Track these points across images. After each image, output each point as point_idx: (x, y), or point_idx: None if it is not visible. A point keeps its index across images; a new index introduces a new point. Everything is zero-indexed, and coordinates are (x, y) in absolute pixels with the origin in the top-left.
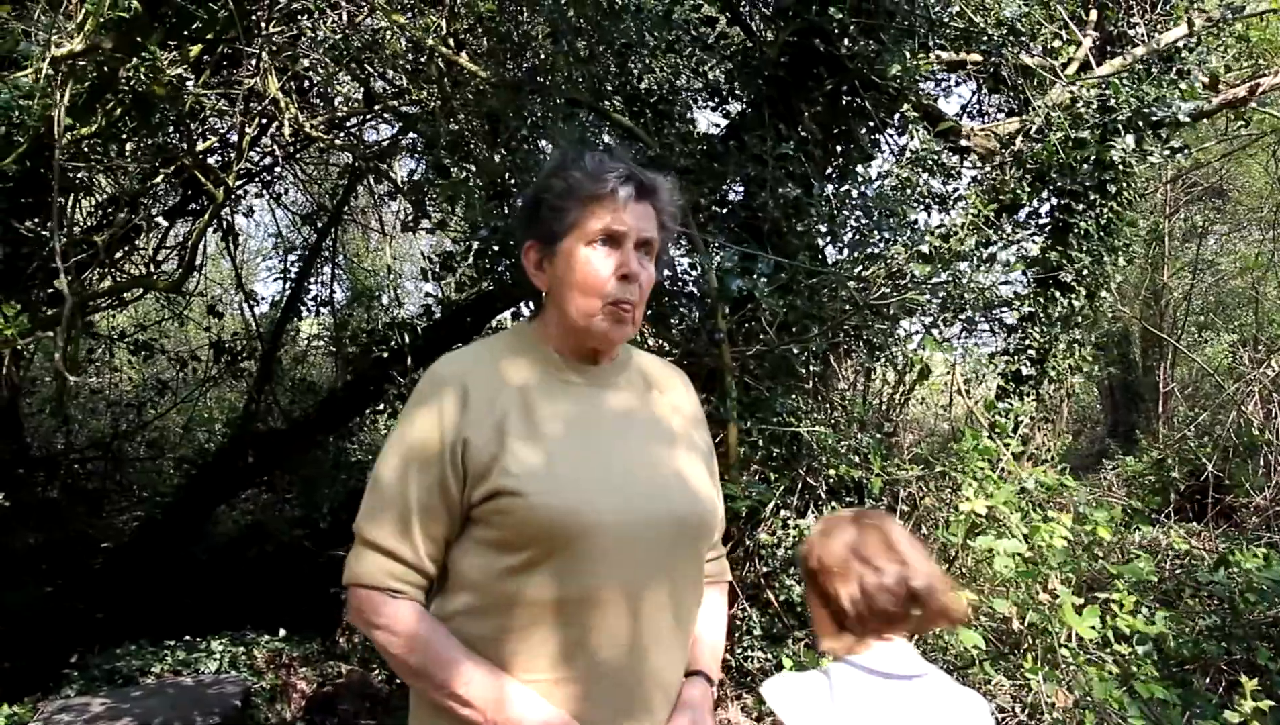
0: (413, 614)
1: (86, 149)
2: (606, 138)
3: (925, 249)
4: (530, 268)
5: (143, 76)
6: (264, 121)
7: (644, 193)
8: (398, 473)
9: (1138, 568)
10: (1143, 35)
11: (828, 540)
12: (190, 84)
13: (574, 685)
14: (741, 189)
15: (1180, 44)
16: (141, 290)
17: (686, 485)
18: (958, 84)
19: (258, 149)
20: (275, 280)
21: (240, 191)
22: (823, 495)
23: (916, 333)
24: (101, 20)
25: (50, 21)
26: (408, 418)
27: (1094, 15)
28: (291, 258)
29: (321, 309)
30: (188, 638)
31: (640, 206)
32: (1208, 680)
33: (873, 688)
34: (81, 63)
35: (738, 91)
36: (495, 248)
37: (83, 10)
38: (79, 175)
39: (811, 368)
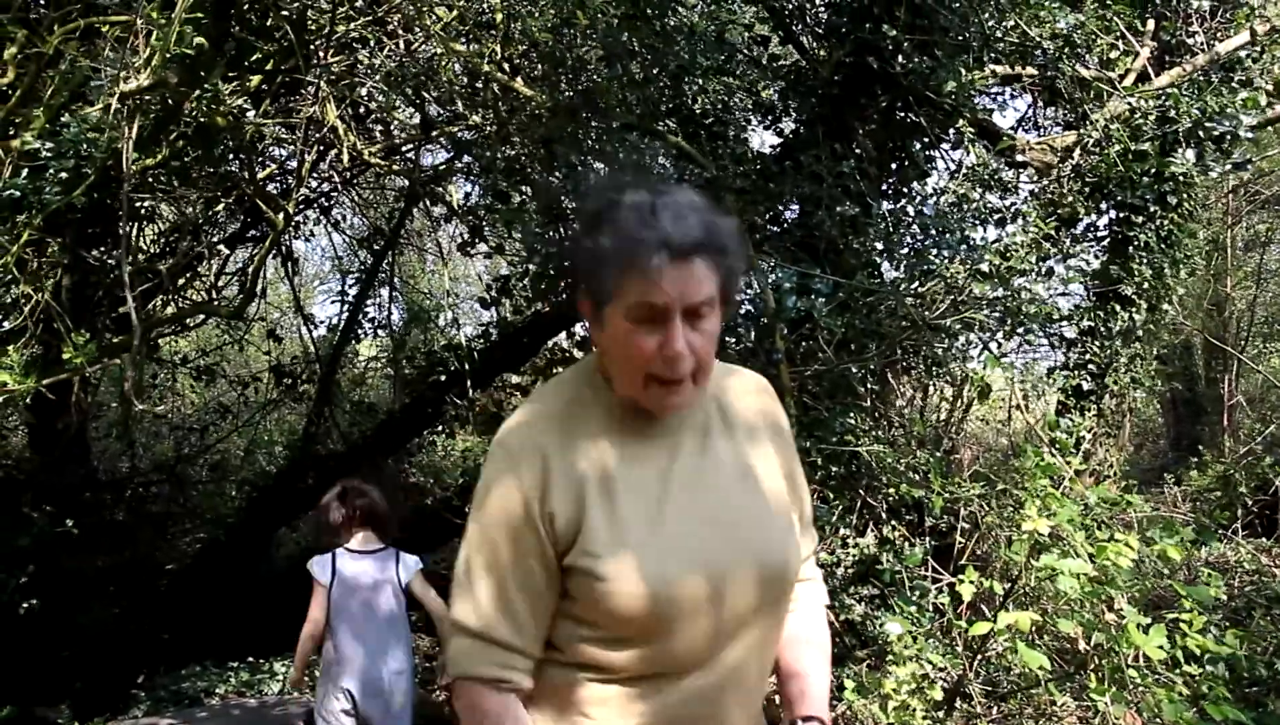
0: (517, 715)
1: (150, 179)
2: (661, 160)
3: (985, 267)
4: (586, 316)
5: (205, 108)
6: (322, 148)
7: (684, 253)
8: (489, 553)
9: (1204, 591)
10: (1202, 44)
11: None
12: (250, 114)
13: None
14: (796, 207)
15: (1242, 53)
16: (203, 316)
17: (768, 530)
18: (1012, 97)
19: (315, 175)
20: (332, 302)
21: (299, 217)
22: (883, 514)
23: (974, 348)
24: (168, 56)
25: (118, 58)
26: (487, 495)
27: (1151, 25)
28: (349, 281)
29: (379, 332)
30: (250, 659)
31: (682, 270)
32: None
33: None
34: (147, 97)
35: (791, 110)
36: (552, 272)
37: (148, 47)
38: (143, 205)
39: (869, 386)
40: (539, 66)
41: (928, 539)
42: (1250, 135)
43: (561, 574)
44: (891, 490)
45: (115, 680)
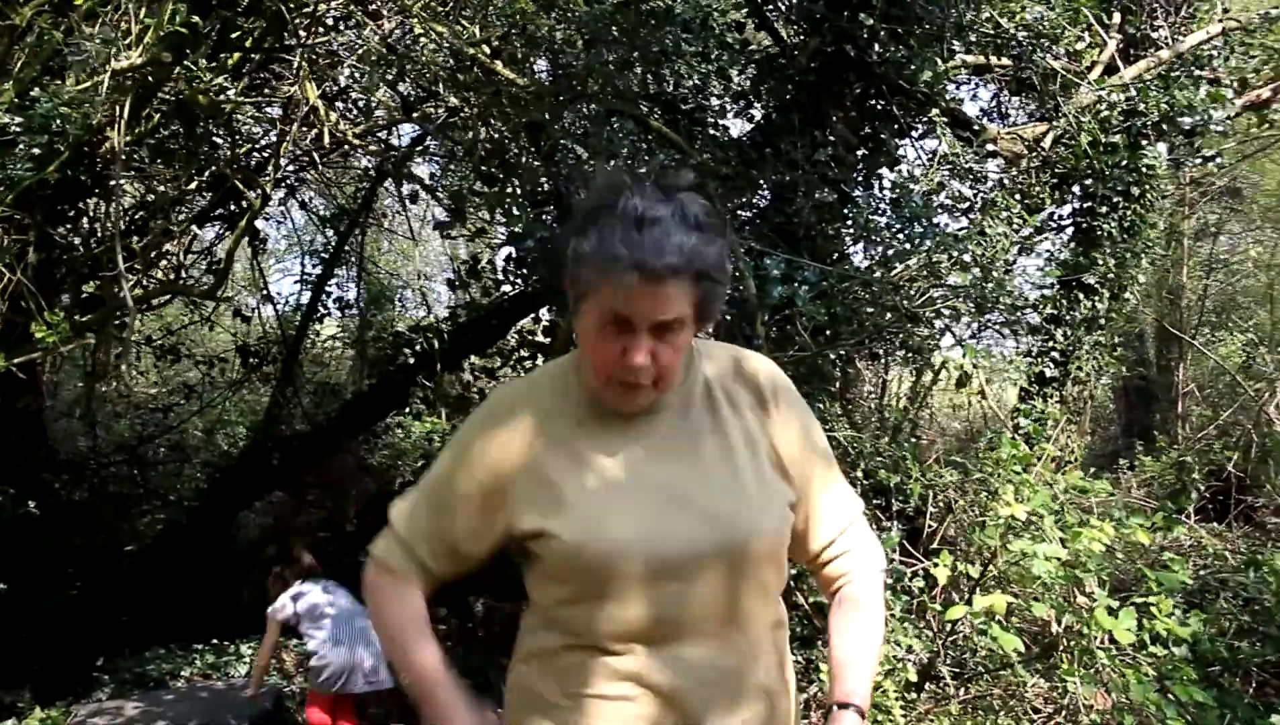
0: (392, 589)
1: (125, 156)
2: (641, 144)
3: (966, 257)
4: (570, 301)
5: (187, 86)
6: (301, 129)
7: (657, 277)
8: (438, 477)
9: (1173, 576)
10: (1166, 38)
11: None
12: (230, 92)
13: (626, 703)
14: (768, 194)
15: (1208, 48)
16: (171, 296)
17: (730, 506)
18: (977, 87)
19: (288, 154)
20: (295, 282)
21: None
22: None
23: (943, 336)
24: (162, 34)
25: (98, 34)
26: (465, 434)
27: (1117, 18)
28: (312, 261)
29: (345, 312)
30: (215, 641)
31: (653, 290)
32: (1238, 681)
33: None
34: (133, 75)
35: (764, 96)
36: (534, 256)
37: (136, 25)
38: (118, 183)
39: (838, 372)
40: (520, 49)
41: (896, 523)
42: (1220, 129)
43: (527, 538)
44: (859, 474)
45: (76, 663)
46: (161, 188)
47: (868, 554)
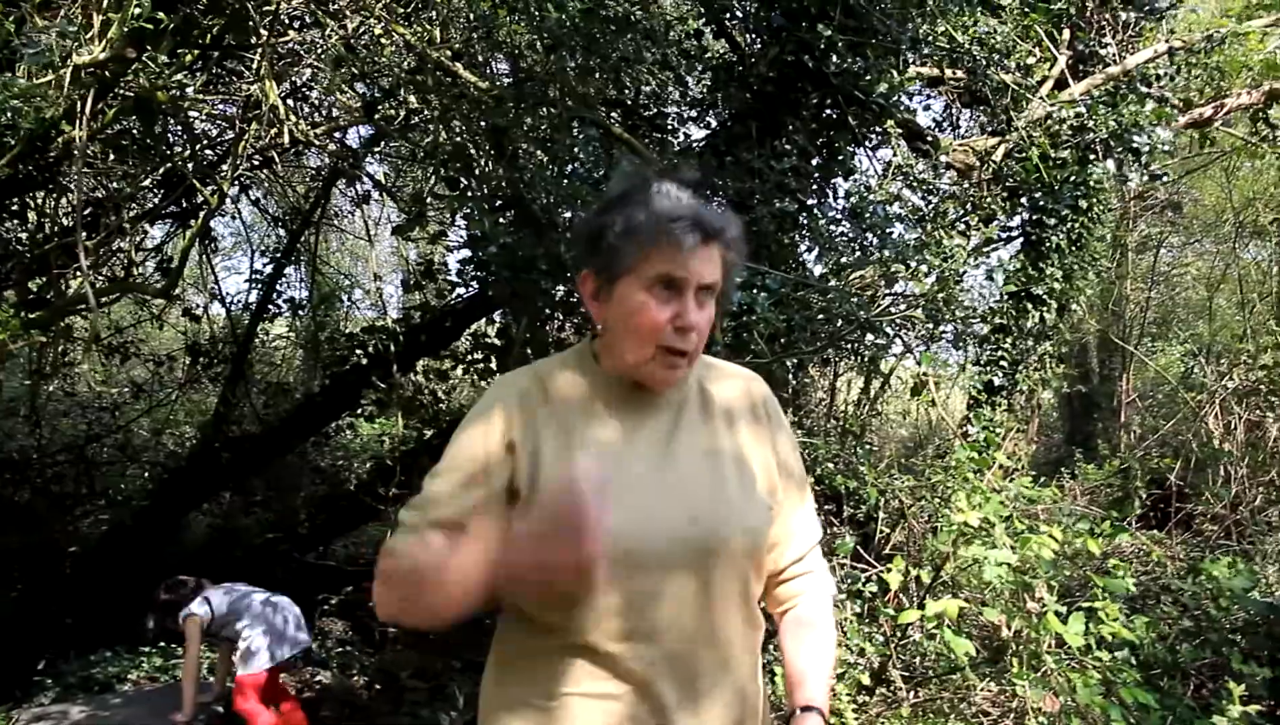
0: (417, 541)
1: (76, 151)
2: (599, 149)
3: (922, 267)
4: (586, 296)
5: (144, 82)
6: (259, 127)
7: (709, 237)
8: (451, 459)
9: (1119, 582)
10: (1114, 55)
11: None
12: (189, 89)
13: (609, 701)
14: (726, 201)
15: (1154, 67)
16: (121, 294)
17: (719, 505)
18: (931, 98)
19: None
20: (244, 281)
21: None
22: None
23: (894, 344)
24: (126, 29)
25: (54, 26)
26: (465, 426)
27: (1067, 35)
28: (262, 259)
29: (296, 312)
30: (163, 644)
31: (704, 251)
32: (1178, 684)
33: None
34: (93, 70)
35: (721, 105)
36: (495, 259)
37: (100, 19)
38: (69, 179)
39: (792, 378)
40: (481, 53)
41: (846, 529)
42: (1168, 148)
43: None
44: (812, 481)
45: (17, 666)
46: (115, 184)
47: (824, 578)
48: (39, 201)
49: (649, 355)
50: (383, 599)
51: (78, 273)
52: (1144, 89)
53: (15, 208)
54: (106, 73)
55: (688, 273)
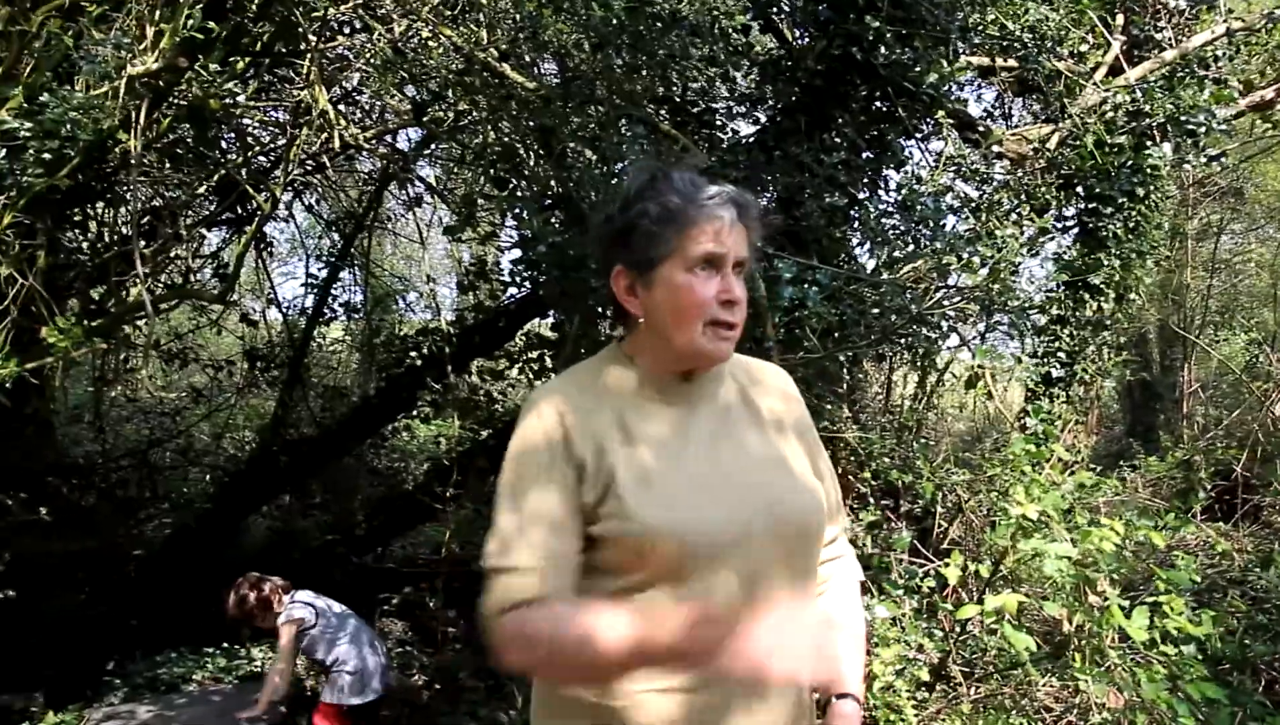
0: (548, 611)
1: (134, 161)
2: (649, 147)
3: (975, 259)
4: (620, 292)
5: (197, 91)
6: (310, 133)
7: (743, 213)
8: (524, 508)
9: (1182, 574)
10: (1170, 39)
11: None
12: (240, 97)
13: (685, 693)
14: (776, 197)
15: (1212, 49)
16: (179, 300)
17: (787, 488)
18: (981, 88)
19: (296, 158)
20: (301, 286)
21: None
22: (870, 500)
23: (949, 337)
24: (178, 39)
25: (105, 37)
26: (519, 454)
27: (1121, 20)
28: (317, 263)
29: (351, 315)
30: (225, 645)
31: (741, 225)
32: (1247, 679)
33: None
34: (147, 80)
35: (770, 100)
36: (545, 259)
37: (153, 30)
38: (126, 189)
39: (846, 374)
40: (528, 53)
41: (903, 524)
42: (1225, 129)
43: (591, 526)
44: (868, 476)
45: (87, 667)
46: (171, 192)
47: (853, 561)
48: (98, 211)
49: (699, 332)
50: (524, 663)
51: (136, 281)
52: (1202, 72)
53: (77, 218)
54: (160, 82)
55: (726, 249)
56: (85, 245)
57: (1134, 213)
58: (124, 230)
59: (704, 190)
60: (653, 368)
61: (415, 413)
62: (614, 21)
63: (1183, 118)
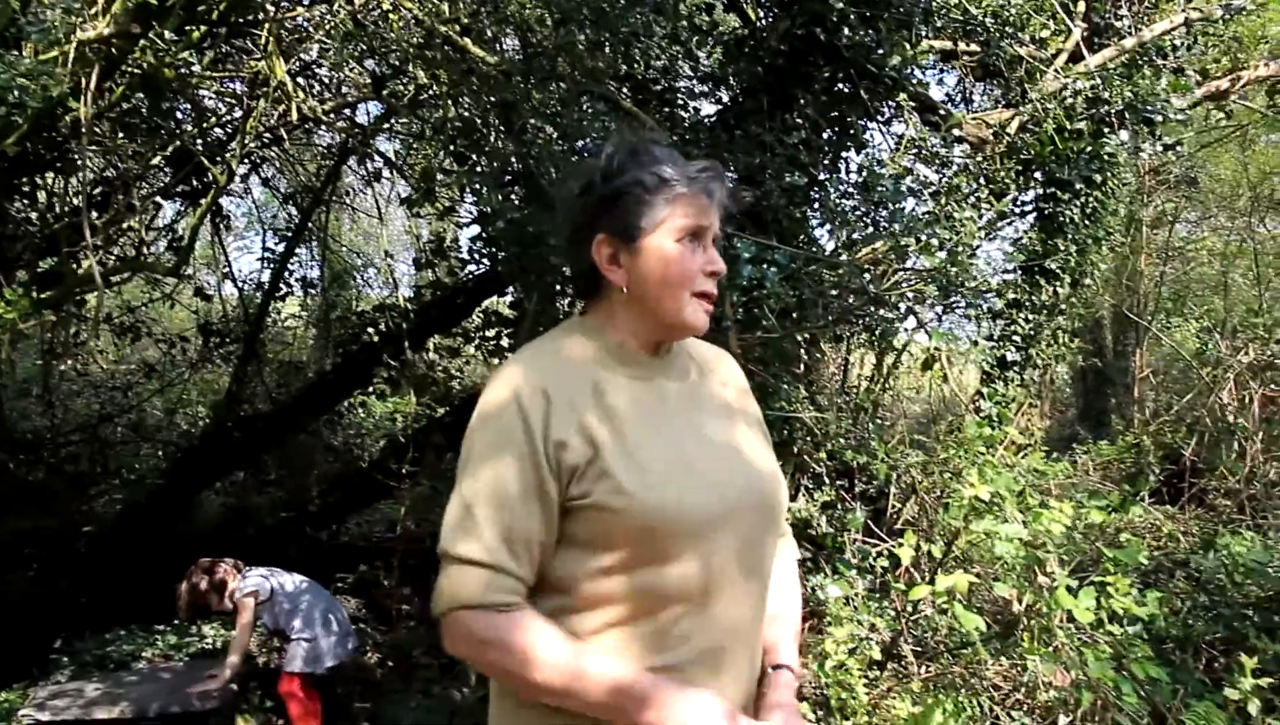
0: (533, 626)
1: (85, 130)
2: (611, 125)
3: (933, 241)
4: (602, 261)
5: (151, 59)
6: (268, 105)
7: (722, 190)
8: (489, 483)
9: (1132, 553)
10: (1130, 27)
11: None
12: (196, 66)
13: (663, 674)
14: (737, 176)
15: (1170, 39)
16: (132, 273)
17: (758, 466)
18: (943, 72)
19: (252, 130)
20: (256, 260)
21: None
22: (824, 480)
23: (906, 318)
24: (130, 5)
25: (59, 2)
26: (487, 427)
27: (1082, 7)
28: (273, 238)
29: (308, 290)
30: (176, 622)
31: (720, 200)
32: (1190, 658)
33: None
34: (98, 46)
35: (733, 79)
36: (504, 235)
37: None
38: (75, 157)
39: (804, 354)
40: (490, 28)
41: (858, 504)
42: (1182, 117)
43: (573, 502)
44: (823, 456)
45: (31, 645)
46: (124, 163)
47: (792, 542)
48: (48, 181)
49: (685, 302)
50: (468, 660)
51: (87, 252)
52: (1160, 61)
53: (25, 188)
54: (112, 49)
55: (710, 222)
56: (34, 215)
57: (1091, 199)
58: (75, 200)
59: (694, 163)
60: (624, 340)
61: (372, 389)
62: None
63: (1141, 106)
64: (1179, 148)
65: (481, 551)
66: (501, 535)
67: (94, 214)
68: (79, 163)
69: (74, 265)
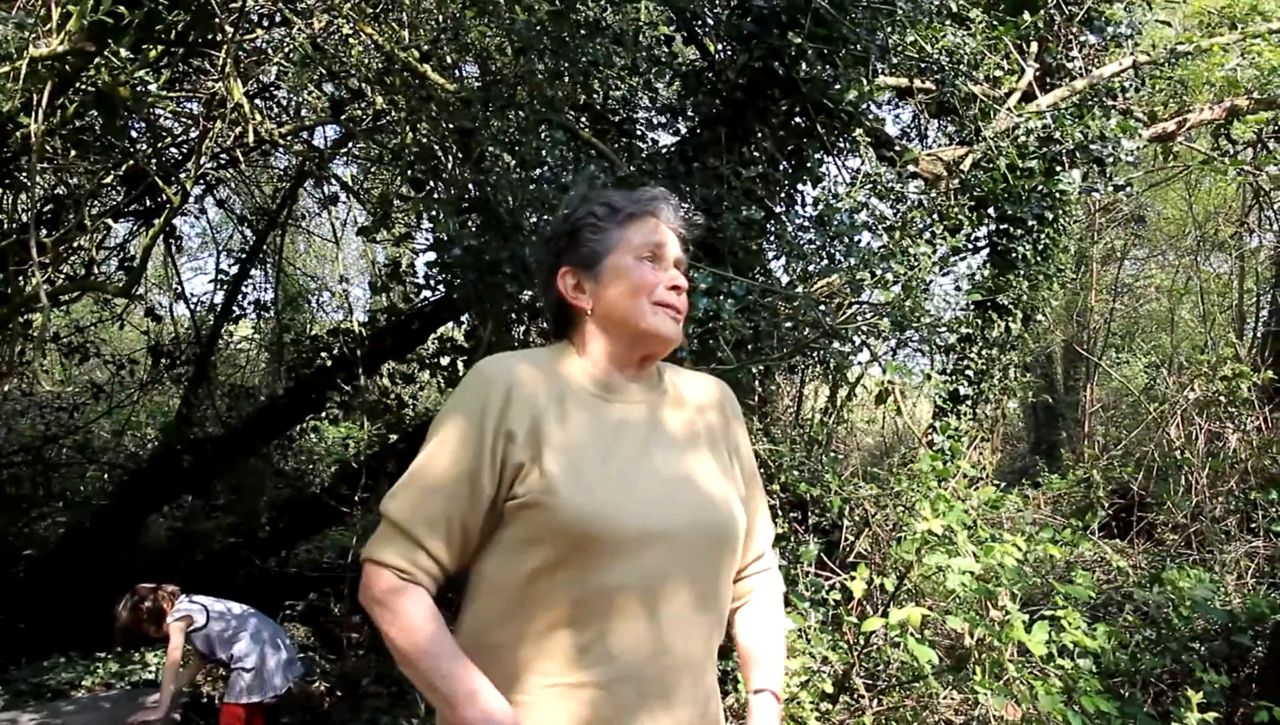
0: (420, 603)
1: (34, 146)
2: (569, 154)
3: (888, 275)
4: (567, 293)
5: (106, 77)
6: (224, 126)
7: (674, 215)
8: (436, 460)
9: (1081, 589)
10: (1081, 69)
11: None
12: (152, 86)
13: (592, 689)
14: (694, 208)
15: (1120, 80)
16: (81, 292)
17: (710, 494)
18: (899, 108)
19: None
20: (209, 281)
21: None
22: (776, 512)
23: (861, 352)
24: (86, 22)
25: (12, 17)
26: (452, 410)
27: (1035, 48)
28: (227, 260)
29: (261, 313)
30: (119, 649)
31: (674, 228)
32: (1138, 691)
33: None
34: (51, 63)
35: (691, 111)
36: (461, 262)
37: (59, 10)
38: (23, 174)
39: (758, 386)
40: (450, 54)
41: (811, 537)
42: (1132, 159)
43: (510, 501)
44: (777, 488)
45: None
46: (75, 180)
47: (777, 575)
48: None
49: (649, 310)
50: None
51: (34, 271)
52: (1110, 102)
53: None
54: (66, 66)
55: (666, 241)
56: None
57: (1043, 236)
58: (23, 217)
59: (642, 192)
60: (601, 363)
61: (324, 414)
62: (537, 26)
63: (1091, 145)
64: (1128, 187)
65: (403, 517)
66: (424, 508)
67: (43, 231)
68: (27, 180)
69: (21, 283)
